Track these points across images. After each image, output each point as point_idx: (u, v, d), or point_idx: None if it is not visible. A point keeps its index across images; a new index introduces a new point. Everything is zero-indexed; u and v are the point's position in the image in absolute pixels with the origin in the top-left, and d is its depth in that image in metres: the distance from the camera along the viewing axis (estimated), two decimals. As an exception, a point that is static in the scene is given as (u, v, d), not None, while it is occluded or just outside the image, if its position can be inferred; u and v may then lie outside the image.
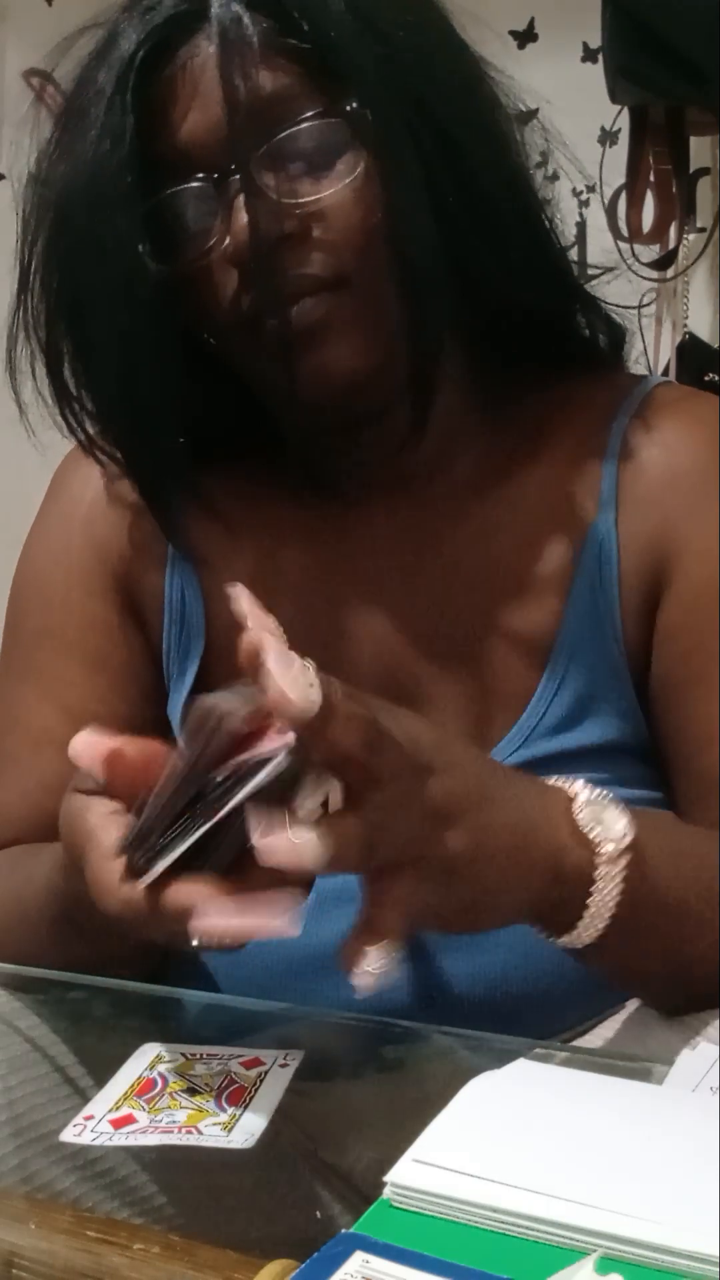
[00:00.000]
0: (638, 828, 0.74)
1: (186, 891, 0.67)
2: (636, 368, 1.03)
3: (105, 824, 0.71)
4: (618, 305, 0.98)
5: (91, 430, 0.95)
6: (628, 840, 0.74)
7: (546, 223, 0.94)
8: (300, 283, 0.85)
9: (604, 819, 0.74)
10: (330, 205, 0.85)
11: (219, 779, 0.67)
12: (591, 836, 0.73)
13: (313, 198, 0.85)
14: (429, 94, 0.86)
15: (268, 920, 0.65)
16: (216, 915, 0.65)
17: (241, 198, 0.84)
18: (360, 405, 0.90)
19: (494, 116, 0.91)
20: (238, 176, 0.84)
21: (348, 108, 0.85)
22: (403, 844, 0.67)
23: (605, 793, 0.75)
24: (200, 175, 0.85)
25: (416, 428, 0.91)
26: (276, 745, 0.67)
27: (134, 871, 0.69)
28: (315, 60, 0.85)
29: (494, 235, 0.89)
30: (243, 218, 0.84)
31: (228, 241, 0.85)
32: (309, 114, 0.85)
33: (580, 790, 0.75)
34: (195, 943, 0.66)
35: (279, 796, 0.67)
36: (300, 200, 0.85)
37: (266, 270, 0.84)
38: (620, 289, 1.01)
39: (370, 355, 0.87)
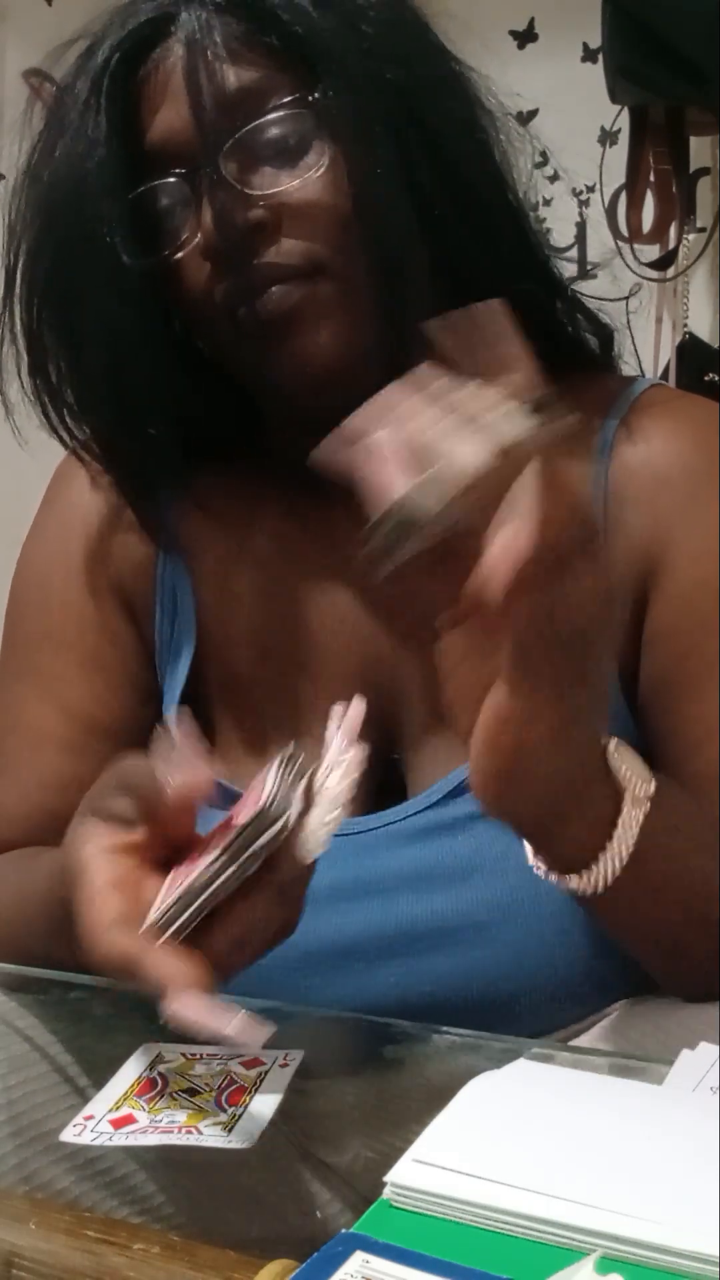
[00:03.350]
0: (659, 782, 0.76)
1: (167, 968, 0.67)
2: (626, 367, 1.02)
3: (99, 860, 0.71)
4: (601, 299, 0.98)
5: (75, 429, 0.95)
6: (652, 787, 0.75)
7: (526, 217, 0.94)
8: (270, 272, 0.86)
9: (633, 765, 0.75)
10: (300, 195, 0.86)
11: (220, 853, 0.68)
12: (620, 777, 0.75)
13: (280, 188, 0.86)
14: (402, 85, 0.87)
15: (228, 1027, 0.65)
16: (186, 1008, 0.66)
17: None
18: (340, 394, 0.89)
19: (472, 110, 0.92)
20: (208, 170, 0.86)
21: (311, 98, 0.86)
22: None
23: (630, 746, 0.77)
24: (174, 171, 0.87)
25: None
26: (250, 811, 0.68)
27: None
28: (285, 56, 0.86)
29: (473, 226, 0.90)
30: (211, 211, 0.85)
31: (199, 235, 0.87)
32: (275, 106, 0.86)
33: (611, 738, 0.76)
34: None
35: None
36: (267, 191, 0.86)
37: (235, 261, 0.86)
38: (605, 287, 1.00)
39: (348, 343, 0.87)
